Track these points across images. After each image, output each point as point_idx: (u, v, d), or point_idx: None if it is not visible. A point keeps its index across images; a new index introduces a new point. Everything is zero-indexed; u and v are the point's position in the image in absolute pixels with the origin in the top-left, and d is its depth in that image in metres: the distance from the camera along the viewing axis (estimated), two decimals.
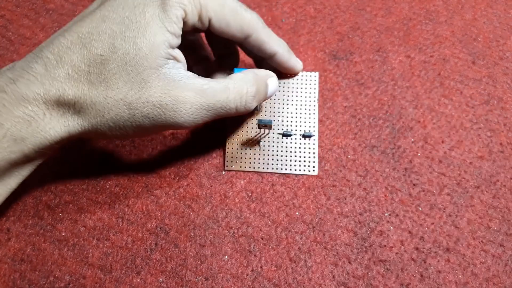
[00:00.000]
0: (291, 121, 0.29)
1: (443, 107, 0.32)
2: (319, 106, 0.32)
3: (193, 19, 0.24)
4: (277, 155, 0.29)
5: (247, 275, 0.25)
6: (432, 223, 0.27)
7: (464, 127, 0.31)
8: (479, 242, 0.26)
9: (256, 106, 0.26)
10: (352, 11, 0.38)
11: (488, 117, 0.31)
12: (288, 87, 0.30)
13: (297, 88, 0.30)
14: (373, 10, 0.38)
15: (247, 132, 0.29)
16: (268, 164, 0.28)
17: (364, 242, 0.26)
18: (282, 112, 0.30)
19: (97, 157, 0.29)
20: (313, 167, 0.28)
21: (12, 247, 0.26)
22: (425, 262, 0.25)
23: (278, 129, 0.29)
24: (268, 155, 0.29)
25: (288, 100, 0.30)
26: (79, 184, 0.28)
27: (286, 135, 0.29)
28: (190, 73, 0.24)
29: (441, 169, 0.29)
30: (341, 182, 0.28)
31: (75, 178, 0.28)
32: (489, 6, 0.38)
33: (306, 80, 0.31)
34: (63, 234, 0.26)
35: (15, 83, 0.21)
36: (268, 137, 0.29)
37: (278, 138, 0.29)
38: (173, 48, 0.24)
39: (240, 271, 0.25)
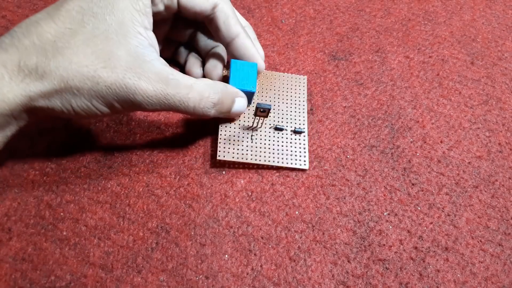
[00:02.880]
0: (283, 117, 0.30)
1: (442, 107, 0.32)
2: (318, 106, 0.32)
3: None
4: (269, 148, 0.29)
5: (247, 274, 0.25)
6: (431, 223, 0.27)
7: (463, 127, 0.31)
8: (478, 242, 0.26)
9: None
10: (352, 12, 0.38)
11: (487, 117, 0.31)
12: (280, 85, 0.31)
13: (288, 87, 0.31)
14: (372, 11, 0.38)
15: (240, 122, 0.29)
16: (260, 155, 0.28)
17: (363, 241, 0.26)
18: (274, 108, 0.30)
19: (98, 157, 0.29)
20: (304, 161, 0.29)
21: (14, 247, 0.26)
22: (424, 261, 0.25)
23: (270, 124, 0.29)
24: (260, 147, 0.29)
25: (280, 97, 0.31)
26: (80, 184, 0.28)
27: (278, 129, 0.29)
28: (162, 60, 0.25)
29: (440, 169, 0.29)
30: (341, 182, 0.28)
31: (77, 177, 0.29)
32: (487, 7, 0.38)
33: (296, 82, 0.32)
34: (64, 234, 0.26)
35: None
36: (260, 130, 0.29)
37: (270, 131, 0.29)
38: (145, 28, 0.24)
39: (240, 270, 0.25)
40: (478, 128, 0.31)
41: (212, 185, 0.28)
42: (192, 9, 0.27)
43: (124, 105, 0.24)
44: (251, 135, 0.29)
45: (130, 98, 0.23)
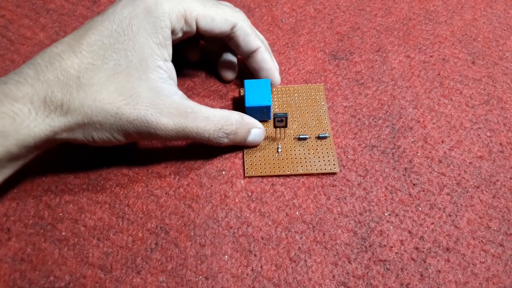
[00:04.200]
0: (305, 128, 0.30)
1: (442, 107, 0.32)
2: None
3: (179, 24, 0.25)
4: (296, 157, 0.29)
5: (247, 274, 0.25)
6: (432, 223, 0.27)
7: (464, 127, 0.31)
8: (479, 242, 0.26)
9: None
10: (352, 11, 0.38)
11: (488, 117, 0.31)
12: (298, 97, 0.32)
13: (307, 98, 0.32)
14: (373, 10, 0.38)
15: (264, 140, 0.30)
16: (287, 166, 0.28)
17: (364, 241, 0.26)
18: (296, 120, 0.31)
19: (98, 157, 0.29)
20: (334, 164, 0.28)
21: (13, 247, 0.26)
22: (425, 262, 0.25)
23: (294, 136, 0.30)
24: (286, 158, 0.29)
25: (300, 109, 0.31)
26: (79, 184, 0.28)
27: (301, 138, 0.29)
28: (180, 92, 0.25)
29: (441, 169, 0.29)
30: (341, 182, 0.28)
31: (76, 178, 0.28)
32: (488, 6, 0.38)
33: (314, 91, 0.32)
34: (63, 234, 0.26)
35: (6, 84, 0.22)
36: (285, 142, 0.30)
37: (294, 142, 0.30)
38: (164, 60, 0.25)
39: (240, 270, 0.25)
40: (479, 128, 0.31)
41: (211, 186, 0.28)
42: (211, 32, 0.27)
43: (143, 136, 0.25)
44: (277, 148, 0.29)
45: (150, 132, 0.24)
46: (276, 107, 0.31)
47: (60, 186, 0.28)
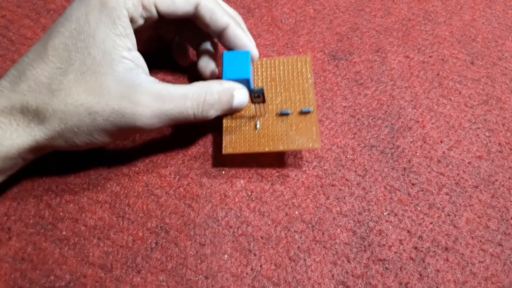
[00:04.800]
0: (289, 103, 0.29)
1: (441, 107, 0.32)
2: (318, 106, 0.32)
3: (137, 11, 0.25)
4: (276, 133, 0.28)
5: (246, 274, 0.25)
6: (431, 223, 0.27)
7: (463, 127, 0.31)
8: (478, 242, 0.26)
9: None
10: (351, 11, 0.38)
11: (487, 117, 0.31)
12: (283, 71, 0.30)
13: (292, 71, 0.30)
14: (372, 11, 0.38)
15: (242, 113, 0.29)
16: (267, 143, 0.27)
17: (363, 241, 0.26)
18: (280, 95, 0.29)
19: (98, 157, 0.29)
20: (315, 140, 0.27)
21: (13, 246, 0.26)
22: (424, 261, 0.25)
23: (276, 112, 0.28)
24: (266, 134, 0.28)
25: (284, 83, 0.30)
26: (79, 184, 0.28)
27: (283, 114, 0.28)
28: (151, 78, 0.25)
29: (440, 169, 0.29)
30: (340, 182, 0.28)
31: (76, 177, 0.29)
32: (487, 6, 0.38)
33: (300, 63, 0.30)
34: (63, 233, 0.26)
35: None
36: (266, 119, 0.28)
37: (275, 118, 0.28)
38: (128, 50, 0.24)
39: (239, 270, 0.25)
40: (478, 128, 0.31)
41: (211, 185, 0.28)
42: (173, 14, 0.26)
43: (126, 132, 0.24)
44: (255, 124, 0.28)
45: (130, 125, 0.23)
46: (259, 81, 0.30)
47: (60, 185, 0.28)
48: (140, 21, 0.25)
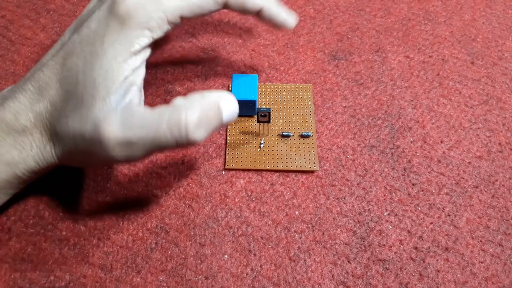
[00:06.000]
0: (290, 126, 0.30)
1: (442, 107, 0.32)
2: (318, 106, 0.32)
3: (162, 30, 0.23)
4: (277, 153, 0.29)
5: (246, 274, 0.25)
6: (431, 223, 0.27)
7: (463, 127, 0.31)
8: (478, 242, 0.26)
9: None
10: (352, 11, 0.38)
11: (487, 117, 0.31)
12: (286, 96, 0.32)
13: (294, 96, 0.32)
14: (372, 11, 0.38)
15: (247, 133, 0.30)
16: (268, 161, 0.29)
17: (363, 241, 0.26)
18: (282, 118, 0.31)
19: None
20: (314, 163, 0.29)
21: (13, 247, 0.26)
22: (424, 262, 0.25)
23: (278, 132, 0.30)
24: (268, 153, 0.29)
25: (286, 107, 0.31)
26: (79, 184, 0.28)
27: (285, 136, 0.30)
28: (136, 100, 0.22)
29: (440, 169, 0.29)
30: (341, 182, 0.28)
31: (76, 177, 0.29)
32: (488, 6, 0.38)
33: (302, 90, 0.32)
34: (63, 234, 0.26)
35: (4, 111, 0.22)
36: (268, 138, 0.30)
37: (277, 139, 0.30)
38: (133, 69, 0.22)
39: (240, 270, 0.25)
40: (478, 128, 0.31)
41: (211, 185, 0.28)
42: (200, 16, 0.25)
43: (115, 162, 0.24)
44: (260, 143, 0.29)
45: (105, 156, 0.22)
46: (263, 103, 0.32)
47: (60, 186, 0.28)
48: (159, 34, 0.23)
